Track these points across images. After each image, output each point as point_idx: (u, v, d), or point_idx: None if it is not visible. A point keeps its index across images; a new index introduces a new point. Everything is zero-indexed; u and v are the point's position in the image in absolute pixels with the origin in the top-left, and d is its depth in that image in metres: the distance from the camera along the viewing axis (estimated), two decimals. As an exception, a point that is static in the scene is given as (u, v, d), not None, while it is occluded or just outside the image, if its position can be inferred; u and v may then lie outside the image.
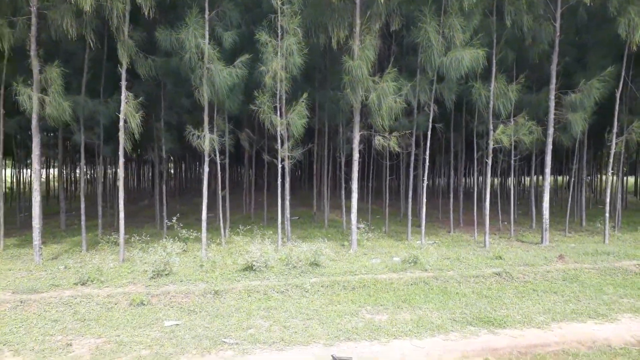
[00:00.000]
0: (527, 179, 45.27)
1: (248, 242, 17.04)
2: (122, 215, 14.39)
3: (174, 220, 16.85)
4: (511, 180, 20.29)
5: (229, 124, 18.13)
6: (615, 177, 22.84)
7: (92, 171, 41.98)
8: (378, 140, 15.33)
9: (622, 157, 21.52)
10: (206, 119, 14.75)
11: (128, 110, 13.88)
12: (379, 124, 15.14)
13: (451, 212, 20.94)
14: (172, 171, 46.40)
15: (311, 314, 10.04)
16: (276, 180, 15.92)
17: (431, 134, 16.92)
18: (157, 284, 11.55)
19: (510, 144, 16.89)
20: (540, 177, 39.06)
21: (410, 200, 18.48)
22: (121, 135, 14.09)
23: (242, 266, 12.66)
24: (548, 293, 11.59)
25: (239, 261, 12.92)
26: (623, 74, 17.17)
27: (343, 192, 20.97)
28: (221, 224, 17.07)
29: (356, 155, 15.58)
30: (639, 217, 25.57)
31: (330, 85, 19.37)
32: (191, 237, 16.29)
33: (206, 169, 15.06)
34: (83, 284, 11.50)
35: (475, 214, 19.69)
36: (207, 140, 14.71)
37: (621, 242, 17.92)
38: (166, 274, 12.20)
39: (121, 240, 14.33)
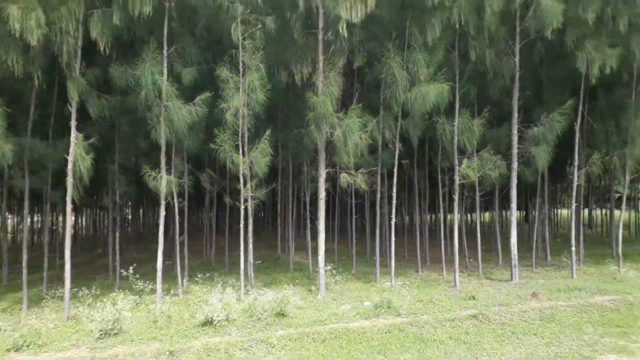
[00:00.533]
0: (489, 214, 45.96)
1: (208, 292, 15.89)
2: (67, 267, 13.10)
3: (129, 271, 15.52)
4: (476, 216, 20.14)
5: (188, 164, 17.26)
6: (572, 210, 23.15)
7: (40, 219, 39.50)
8: (344, 178, 14.83)
9: (582, 190, 21.89)
10: (163, 159, 13.87)
11: (77, 153, 12.86)
12: (344, 161, 14.67)
13: (418, 250, 20.49)
14: (129, 216, 44.50)
15: (279, 372, 9.08)
16: (238, 223, 15.05)
17: (397, 171, 16.55)
18: (104, 346, 10.29)
19: (476, 179, 16.73)
20: (504, 212, 39.67)
21: (377, 239, 17.91)
22: (69, 179, 13.00)
23: (200, 321, 11.54)
24: (528, 335, 11.06)
25: (197, 315, 11.79)
26: (581, 107, 17.56)
27: (309, 232, 20.23)
28: (178, 273, 15.87)
29: (322, 194, 14.98)
30: (599, 250, 25.90)
31: (294, 124, 18.93)
32: (146, 289, 15.02)
33: (162, 213, 14.04)
34: (17, 350, 10.11)
35: (443, 251, 19.29)
36: (163, 181, 13.78)
37: (588, 276, 17.83)
38: (115, 334, 10.94)
39: (66, 295, 12.98)
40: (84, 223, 40.60)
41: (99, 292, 14.75)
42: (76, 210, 35.97)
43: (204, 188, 24.46)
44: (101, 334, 10.77)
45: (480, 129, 16.53)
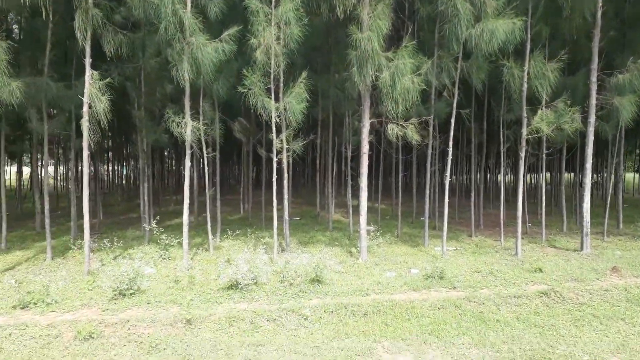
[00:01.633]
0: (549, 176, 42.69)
1: (239, 249, 14.73)
2: (86, 217, 12.01)
3: (153, 224, 14.47)
4: (541, 177, 17.77)
5: (219, 112, 15.72)
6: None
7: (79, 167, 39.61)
8: (392, 130, 12.86)
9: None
10: (187, 103, 12.33)
11: (92, 92, 11.50)
12: (392, 110, 12.67)
13: (472, 213, 18.43)
14: (168, 166, 44.26)
15: (311, 352, 7.63)
16: (281, 177, 13.56)
17: (454, 122, 14.33)
18: (118, 308, 9.15)
19: (547, 134, 14.32)
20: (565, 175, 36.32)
21: (427, 199, 16.00)
22: (84, 122, 11.72)
23: (225, 284, 10.22)
24: (613, 320, 9.11)
25: (222, 277, 10.50)
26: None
27: (349, 189, 18.52)
28: (209, 228, 14.64)
29: (365, 147, 13.12)
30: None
31: (336, 69, 16.90)
32: (173, 243, 13.95)
33: (188, 163, 12.64)
34: (23, 308, 9.12)
35: (502, 214, 17.15)
36: (188, 128, 12.30)
37: (673, 248, 15.38)
38: (131, 294, 9.79)
39: (86, 248, 11.96)
40: (131, 173, 40.31)
41: (127, 245, 13.81)
42: (120, 159, 35.71)
43: (240, 140, 23.13)
44: (115, 294, 9.64)
45: (556, 75, 13.99)
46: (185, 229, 12.59)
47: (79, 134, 15.81)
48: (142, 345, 7.84)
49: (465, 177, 31.60)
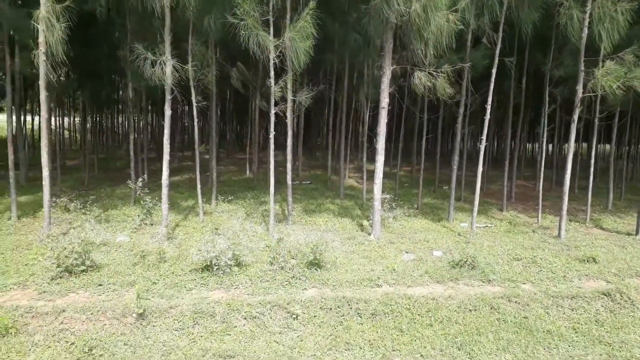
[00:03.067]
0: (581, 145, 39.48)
1: (234, 216, 12.70)
2: (45, 173, 10.02)
3: (138, 184, 12.43)
4: (592, 146, 15.18)
5: (216, 55, 13.34)
6: None
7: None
8: (418, 79, 10.37)
9: None
10: (167, 35, 9.99)
11: (45, 19, 9.24)
12: (420, 54, 10.18)
13: (505, 184, 15.98)
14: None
15: (296, 371, 5.57)
16: (286, 136, 11.37)
17: (495, 75, 11.64)
18: (59, 290, 7.19)
19: (611, 93, 11.64)
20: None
21: (456, 166, 13.64)
22: (40, 55, 9.53)
23: (199, 263, 8.16)
24: None
25: (194, 255, 8.44)
26: None
27: (365, 152, 16.16)
28: (198, 190, 12.56)
29: (385, 101, 10.70)
30: None
31: (354, 8, 14.23)
32: (158, 206, 11.92)
33: (167, 111, 10.43)
34: (-59, 285, 7.24)
35: (539, 187, 14.67)
36: (168, 68, 10.02)
37: None
38: (82, 271, 7.81)
39: (45, 209, 10.04)
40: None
41: (109, 204, 11.92)
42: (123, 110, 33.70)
43: (246, 93, 20.77)
44: (60, 271, 7.66)
45: (627, 18, 11.18)
46: (165, 190, 10.51)
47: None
48: (71, 349, 5.87)
49: (494, 143, 28.83)
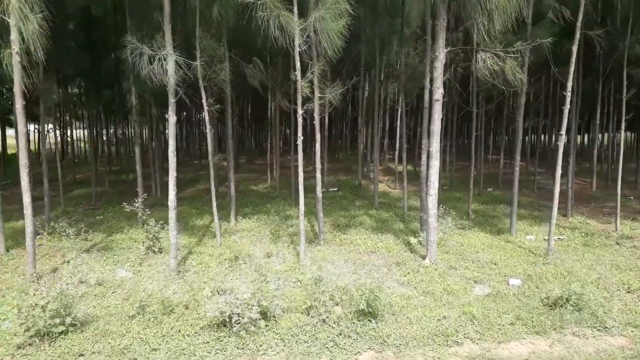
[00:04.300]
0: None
1: (258, 235, 10.81)
2: (26, 199, 8.20)
3: (137, 204, 10.57)
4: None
5: (227, 49, 11.39)
6: None
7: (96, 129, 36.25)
8: (483, 62, 8.21)
9: None
10: (167, 24, 8.05)
11: (16, 9, 7.41)
12: (481, 31, 8.05)
13: (570, 185, 13.63)
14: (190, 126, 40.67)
15: None
16: (310, 140, 9.32)
17: (578, 53, 9.26)
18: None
19: None
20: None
21: (517, 168, 11.44)
22: (14, 55, 7.72)
23: (215, 318, 6.13)
24: None
25: (207, 305, 6.43)
26: None
27: (404, 153, 13.98)
28: (214, 209, 10.61)
29: (439, 91, 8.54)
30: None
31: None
32: (165, 229, 10.00)
33: (172, 118, 8.48)
34: None
35: (618, 187, 12.27)
36: (170, 64, 8.09)
37: None
38: (61, 333, 5.88)
39: (28, 243, 8.19)
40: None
41: (115, 227, 10.13)
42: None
43: (264, 94, 18.83)
44: (30, 336, 5.73)
45: None
46: (172, 214, 8.55)
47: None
48: None
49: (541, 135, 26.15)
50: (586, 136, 36.64)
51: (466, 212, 13.48)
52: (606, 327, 6.00)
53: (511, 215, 11.46)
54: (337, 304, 6.29)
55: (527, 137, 34.80)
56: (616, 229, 11.68)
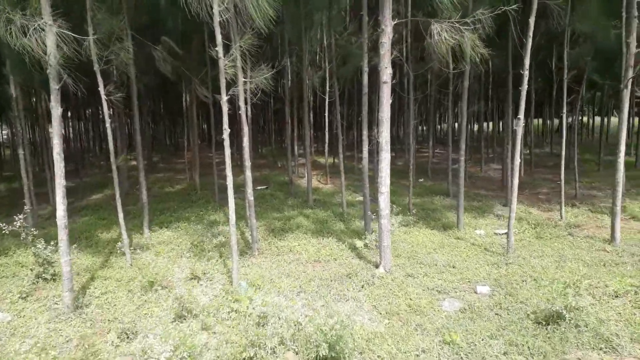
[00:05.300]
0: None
1: (177, 248, 9.04)
2: None
3: (18, 222, 8.22)
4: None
5: (129, 28, 9.31)
6: None
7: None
8: (438, 35, 7.03)
9: None
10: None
11: None
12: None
13: (509, 170, 13.09)
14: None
15: None
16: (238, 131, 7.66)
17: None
18: None
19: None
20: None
21: (463, 157, 10.61)
22: None
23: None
24: None
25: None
26: None
27: (341, 144, 12.69)
28: (121, 221, 8.61)
29: (387, 71, 7.27)
30: None
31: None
32: (57, 252, 7.79)
33: (55, 110, 6.40)
34: None
35: (561, 172, 11.87)
36: (49, 39, 6.06)
37: None
38: None
39: None
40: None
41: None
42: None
43: (178, 81, 16.62)
44: None
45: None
46: (63, 234, 6.54)
47: None
48: None
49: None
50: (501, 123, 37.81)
51: (406, 206, 12.51)
52: (614, 347, 5.05)
53: (458, 209, 10.58)
54: (289, 349, 4.79)
55: (442, 124, 35.30)
56: (561, 218, 11.25)
